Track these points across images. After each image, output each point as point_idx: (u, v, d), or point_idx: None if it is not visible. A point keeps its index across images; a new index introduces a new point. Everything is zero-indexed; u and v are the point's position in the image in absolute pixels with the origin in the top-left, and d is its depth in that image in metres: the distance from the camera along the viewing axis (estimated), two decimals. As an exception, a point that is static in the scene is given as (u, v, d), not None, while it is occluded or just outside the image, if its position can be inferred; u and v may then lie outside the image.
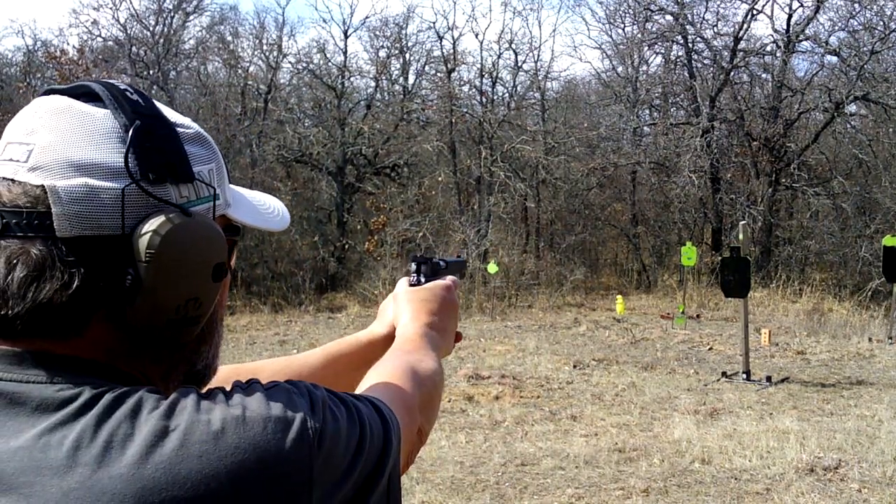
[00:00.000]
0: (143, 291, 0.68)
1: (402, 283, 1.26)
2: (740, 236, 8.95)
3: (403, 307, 1.20)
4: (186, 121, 0.77)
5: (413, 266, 1.27)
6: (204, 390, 0.71)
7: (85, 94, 0.72)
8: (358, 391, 0.88)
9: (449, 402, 7.46)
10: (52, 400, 0.65)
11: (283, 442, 0.65)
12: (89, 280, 0.67)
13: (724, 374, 8.61)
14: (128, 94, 0.72)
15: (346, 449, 0.70)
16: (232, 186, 0.83)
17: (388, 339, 1.18)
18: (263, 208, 0.87)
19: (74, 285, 0.66)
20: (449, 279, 1.27)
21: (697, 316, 13.77)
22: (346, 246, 18.88)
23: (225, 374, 0.99)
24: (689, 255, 12.29)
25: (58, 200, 0.66)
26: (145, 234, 0.67)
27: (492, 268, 14.17)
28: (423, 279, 1.26)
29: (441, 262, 1.30)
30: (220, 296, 0.77)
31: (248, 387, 0.70)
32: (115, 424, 0.63)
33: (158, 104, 0.74)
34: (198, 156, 0.74)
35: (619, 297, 15.04)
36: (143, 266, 0.67)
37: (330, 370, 1.16)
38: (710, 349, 10.57)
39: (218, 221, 0.75)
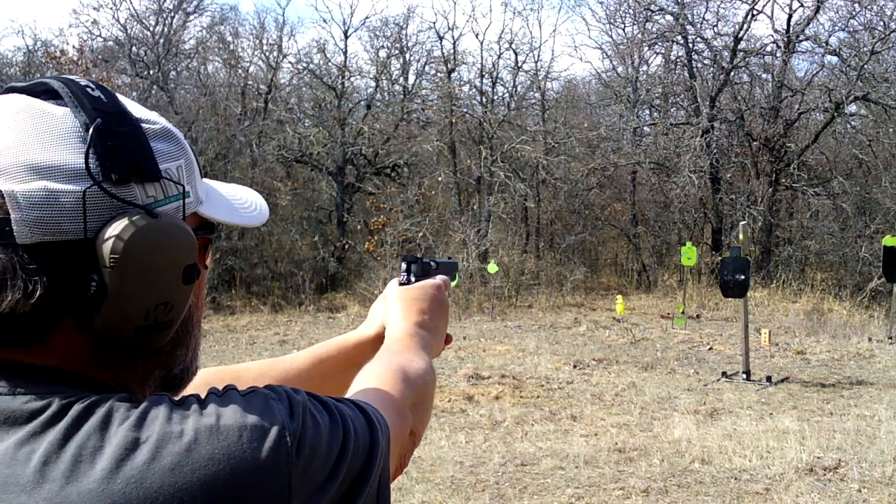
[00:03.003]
0: (109, 298, 0.65)
1: (393, 283, 1.23)
2: (740, 236, 8.96)
3: (393, 306, 1.17)
4: (153, 116, 0.73)
5: (403, 265, 1.24)
6: (179, 396, 0.68)
7: (45, 92, 0.69)
8: (348, 394, 0.86)
9: (449, 402, 7.46)
10: (20, 412, 0.62)
11: (259, 451, 0.63)
12: (53, 288, 0.64)
13: (724, 374, 8.61)
14: (88, 90, 0.68)
15: (327, 455, 0.67)
16: (206, 181, 0.80)
17: (378, 339, 1.14)
18: (239, 203, 0.83)
19: (37, 294, 0.63)
20: (439, 278, 1.25)
21: (697, 316, 13.77)
22: (346, 246, 18.88)
23: (207, 377, 0.96)
24: (689, 255, 12.29)
25: (16, 206, 0.63)
26: (108, 238, 0.64)
27: (492, 268, 14.17)
28: (413, 278, 1.23)
29: (432, 263, 1.28)
30: (195, 297, 0.74)
31: (223, 394, 0.68)
32: (85, 437, 0.60)
33: (123, 99, 0.71)
34: (165, 152, 0.71)
35: (619, 297, 15.05)
36: (108, 271, 0.64)
37: (317, 372, 1.13)
38: (710, 349, 10.57)
39: (189, 220, 0.72)
